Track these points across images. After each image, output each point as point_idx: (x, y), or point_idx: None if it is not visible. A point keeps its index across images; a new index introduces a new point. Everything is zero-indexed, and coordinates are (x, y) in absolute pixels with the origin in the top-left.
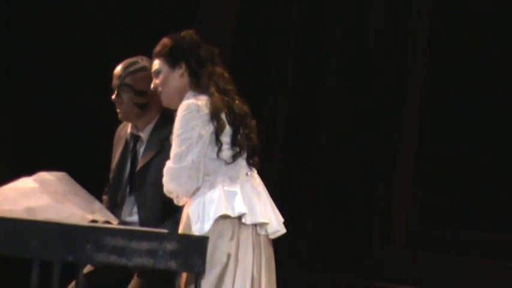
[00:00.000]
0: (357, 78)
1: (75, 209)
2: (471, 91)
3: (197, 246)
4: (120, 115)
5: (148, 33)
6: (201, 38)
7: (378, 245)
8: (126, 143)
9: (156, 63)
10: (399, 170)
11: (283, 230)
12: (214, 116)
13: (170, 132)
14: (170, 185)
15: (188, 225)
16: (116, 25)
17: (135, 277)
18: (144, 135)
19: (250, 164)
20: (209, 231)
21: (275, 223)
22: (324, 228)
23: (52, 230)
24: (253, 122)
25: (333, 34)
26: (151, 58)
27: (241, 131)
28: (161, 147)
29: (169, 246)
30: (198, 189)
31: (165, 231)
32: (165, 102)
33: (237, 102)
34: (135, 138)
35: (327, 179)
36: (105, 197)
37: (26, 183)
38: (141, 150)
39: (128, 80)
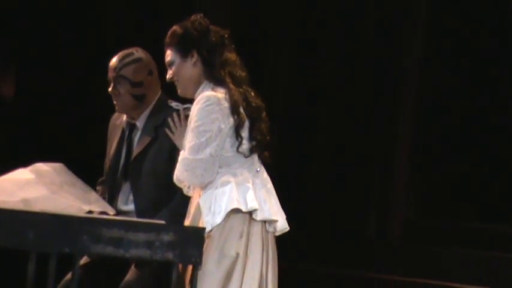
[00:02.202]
0: (354, 69)
1: (72, 200)
2: (467, 84)
3: (194, 237)
4: (116, 107)
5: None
6: (210, 21)
7: (374, 237)
8: (123, 132)
9: (168, 54)
10: (395, 161)
11: (287, 227)
12: (234, 110)
13: (164, 119)
14: (184, 175)
15: (197, 216)
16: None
17: (132, 268)
18: (139, 123)
19: (261, 158)
20: (220, 224)
21: (282, 221)
22: (319, 219)
23: (48, 222)
24: (266, 118)
25: (331, 33)
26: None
27: (256, 125)
28: (156, 135)
29: (166, 237)
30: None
31: (162, 222)
32: (181, 92)
33: (252, 93)
34: (131, 127)
35: (322, 171)
36: (99, 188)
37: (22, 174)
38: (136, 138)
39: (123, 72)
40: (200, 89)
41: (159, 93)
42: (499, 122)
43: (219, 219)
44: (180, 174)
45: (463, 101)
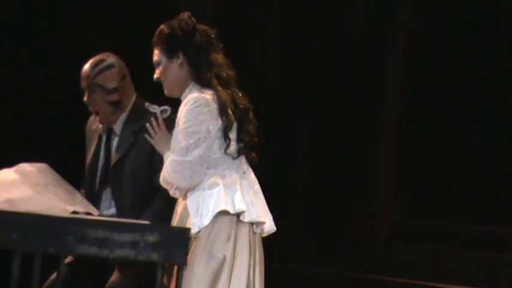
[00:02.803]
0: (340, 68)
1: (56, 201)
2: (452, 84)
3: (179, 238)
4: (99, 119)
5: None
6: (197, 19)
7: (360, 238)
8: (99, 137)
9: (155, 54)
10: (381, 162)
11: (275, 228)
12: (222, 111)
13: (142, 124)
14: (172, 177)
15: (184, 216)
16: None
17: (116, 271)
18: (116, 128)
19: (248, 159)
20: (208, 226)
21: (269, 222)
22: (306, 220)
23: (33, 222)
24: (254, 119)
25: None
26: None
27: (244, 126)
28: (135, 140)
29: (151, 238)
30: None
31: (146, 222)
32: (167, 92)
33: (240, 94)
34: (108, 132)
35: (308, 172)
36: (83, 190)
37: (6, 174)
38: (115, 143)
39: (97, 79)
40: (187, 90)
41: (134, 96)
42: (483, 123)
43: (206, 221)
44: (168, 176)
45: (449, 100)
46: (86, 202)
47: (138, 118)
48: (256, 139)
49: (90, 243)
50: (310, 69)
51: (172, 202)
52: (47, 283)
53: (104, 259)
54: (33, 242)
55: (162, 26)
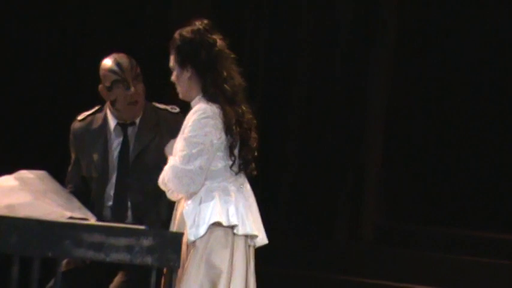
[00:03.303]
0: (325, 75)
1: (54, 207)
2: (437, 89)
3: (172, 242)
4: (135, 108)
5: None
6: (212, 26)
7: (346, 240)
8: (106, 135)
9: (170, 59)
10: (366, 166)
11: (266, 241)
12: (227, 128)
13: (158, 117)
14: (171, 182)
15: (181, 223)
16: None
17: (118, 275)
18: (136, 120)
19: (246, 173)
20: (205, 236)
21: (261, 235)
22: (290, 223)
23: (32, 227)
24: (255, 135)
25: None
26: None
27: (246, 145)
28: (155, 132)
29: (146, 242)
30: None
31: (141, 227)
32: (181, 96)
33: (245, 110)
34: (124, 127)
35: (294, 174)
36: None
37: (6, 181)
38: (132, 136)
39: (139, 70)
40: (197, 99)
41: None
42: (470, 128)
43: (201, 231)
44: (167, 180)
45: (434, 106)
46: (83, 208)
47: (151, 112)
48: (256, 154)
49: (87, 247)
50: (300, 73)
51: None
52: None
53: (99, 262)
54: (31, 246)
55: (176, 33)
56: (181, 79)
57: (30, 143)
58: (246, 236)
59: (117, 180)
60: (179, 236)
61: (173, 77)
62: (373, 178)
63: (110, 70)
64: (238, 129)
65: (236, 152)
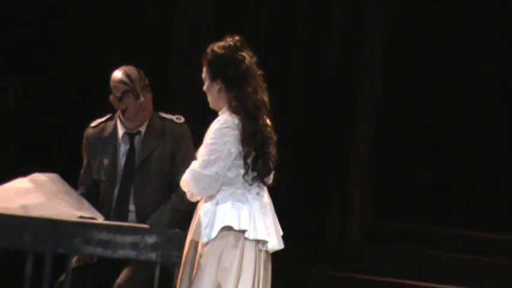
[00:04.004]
0: (316, 78)
1: (65, 207)
2: (420, 92)
3: (175, 240)
4: (143, 114)
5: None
6: (242, 42)
7: (335, 238)
8: (116, 143)
9: (203, 71)
10: (353, 165)
11: (281, 246)
12: (245, 140)
13: (163, 127)
14: (190, 184)
15: (199, 225)
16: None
17: (123, 271)
18: (142, 129)
19: (263, 183)
20: (217, 238)
21: (275, 241)
22: (283, 222)
23: (44, 225)
24: (275, 149)
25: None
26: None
27: (262, 157)
28: (159, 141)
29: (150, 239)
30: (213, 195)
31: (146, 226)
32: (211, 106)
33: (264, 124)
34: (131, 136)
35: (282, 174)
36: (82, 190)
37: (21, 183)
38: (138, 144)
39: (147, 81)
40: (224, 109)
41: None
42: (460, 127)
43: (214, 234)
44: (186, 182)
45: (420, 107)
46: (92, 208)
47: (157, 121)
48: (272, 166)
49: (96, 245)
50: (294, 75)
51: (186, 199)
52: (57, 284)
53: (107, 259)
54: (44, 244)
55: (209, 48)
56: (211, 90)
57: (44, 148)
58: (258, 241)
59: (121, 185)
60: (181, 234)
61: (204, 88)
62: (360, 178)
63: (120, 81)
64: (254, 142)
65: (249, 162)
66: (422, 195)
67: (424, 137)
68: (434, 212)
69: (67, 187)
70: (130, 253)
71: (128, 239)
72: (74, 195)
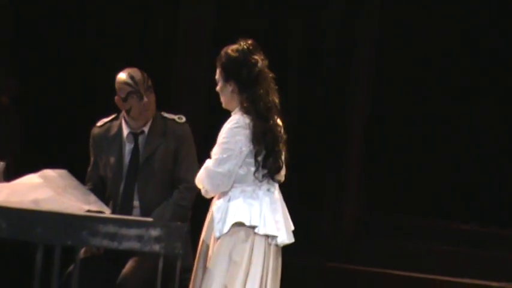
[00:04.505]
0: (312, 78)
1: (74, 201)
2: (415, 85)
3: (177, 232)
4: (146, 114)
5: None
6: (255, 46)
7: (329, 231)
8: (121, 142)
9: (216, 73)
10: (348, 161)
11: (291, 240)
12: (255, 139)
13: (165, 126)
14: (204, 181)
15: (212, 220)
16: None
17: (128, 262)
18: (145, 129)
19: (274, 180)
20: (228, 233)
21: (284, 235)
22: None
23: (54, 219)
24: (285, 148)
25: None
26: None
27: (272, 155)
28: (162, 139)
29: (154, 232)
30: (226, 192)
31: (150, 219)
32: (224, 105)
33: (275, 125)
34: (135, 136)
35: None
36: (90, 186)
37: (32, 179)
38: (142, 143)
39: (150, 83)
40: (236, 109)
41: None
42: (451, 122)
43: (226, 229)
44: (201, 179)
45: (409, 104)
46: (99, 202)
47: (160, 121)
48: (282, 164)
49: (102, 237)
50: (291, 75)
51: (188, 195)
52: (66, 274)
53: (113, 250)
54: (54, 236)
55: (223, 50)
56: (224, 91)
57: (52, 146)
58: (267, 236)
59: (126, 181)
60: (183, 227)
61: (218, 88)
62: (354, 175)
63: (125, 83)
64: (265, 140)
65: (260, 160)
66: (414, 189)
67: (416, 132)
68: (426, 205)
69: (75, 182)
70: (135, 245)
71: (133, 231)
72: (82, 190)
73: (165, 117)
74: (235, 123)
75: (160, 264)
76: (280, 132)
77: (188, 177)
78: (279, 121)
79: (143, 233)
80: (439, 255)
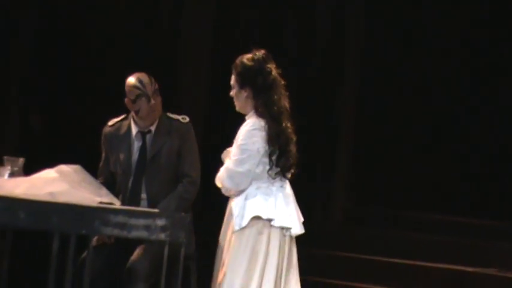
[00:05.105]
0: (303, 76)
1: (87, 194)
2: (404, 83)
3: (181, 222)
4: (153, 115)
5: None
6: (268, 56)
7: (318, 221)
8: (131, 139)
9: (232, 79)
10: (338, 152)
11: (302, 231)
12: (270, 140)
13: (170, 126)
14: (226, 181)
15: (231, 215)
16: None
17: (137, 250)
18: (152, 128)
19: (285, 177)
20: (247, 226)
21: (297, 227)
22: None
23: (69, 210)
24: (295, 148)
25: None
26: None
27: (284, 155)
28: (167, 138)
29: (160, 222)
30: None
31: (156, 210)
32: (237, 109)
33: (286, 127)
34: (143, 134)
35: None
36: (101, 180)
37: (49, 173)
38: (149, 141)
39: (157, 86)
40: (251, 113)
41: None
42: (439, 115)
43: (244, 222)
44: (222, 179)
45: (399, 98)
46: (110, 195)
47: (165, 121)
48: (293, 162)
49: (113, 227)
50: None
51: (191, 188)
52: (80, 260)
53: (122, 239)
54: (69, 225)
55: (238, 60)
56: (239, 97)
57: (68, 144)
58: (282, 228)
59: (135, 176)
60: (186, 217)
61: (232, 93)
62: (343, 164)
63: (134, 86)
64: (278, 142)
65: (274, 159)
66: (403, 181)
67: (404, 125)
68: (414, 197)
69: (88, 177)
70: (143, 234)
71: (141, 221)
72: (95, 183)
73: (170, 118)
74: (252, 125)
75: (166, 251)
76: (291, 134)
77: (191, 172)
78: (289, 124)
79: (150, 223)
80: (421, 243)
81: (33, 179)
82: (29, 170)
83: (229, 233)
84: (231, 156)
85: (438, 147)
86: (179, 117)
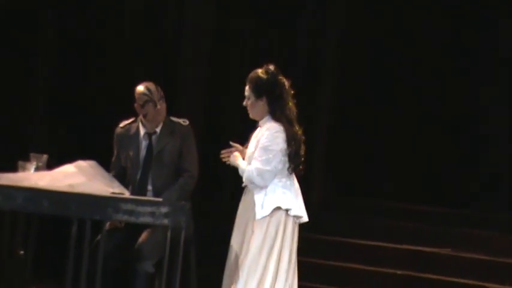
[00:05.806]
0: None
1: (101, 185)
2: (386, 78)
3: (181, 210)
4: (158, 119)
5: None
6: (278, 69)
7: None
8: (139, 139)
9: (247, 89)
10: (315, 146)
11: (307, 219)
12: (289, 142)
13: (173, 127)
14: (256, 179)
15: (251, 205)
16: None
17: (143, 233)
18: (157, 129)
19: (296, 172)
20: (267, 215)
21: (306, 216)
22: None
23: (86, 199)
24: (304, 147)
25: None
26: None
27: (297, 153)
28: (170, 138)
29: (163, 209)
30: None
31: (160, 200)
32: (251, 116)
33: (298, 129)
34: (149, 135)
35: None
36: (113, 173)
37: (68, 168)
38: (154, 141)
39: (163, 93)
40: (265, 118)
41: None
42: (408, 108)
43: (266, 212)
44: (252, 177)
45: (375, 92)
46: (121, 187)
47: (169, 124)
48: (303, 160)
49: (123, 213)
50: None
51: (190, 181)
52: (94, 243)
53: (131, 224)
54: (85, 212)
55: (253, 73)
56: (256, 106)
57: (85, 142)
58: (295, 216)
59: (142, 171)
60: (186, 205)
61: (246, 102)
62: (320, 158)
63: (143, 93)
64: (294, 142)
65: (291, 157)
66: (375, 171)
67: (379, 118)
68: (386, 187)
69: (102, 170)
70: (148, 219)
71: (147, 209)
72: (108, 176)
73: (173, 121)
74: (276, 130)
75: (169, 235)
76: (301, 135)
77: (191, 168)
78: (298, 127)
79: (155, 210)
80: (388, 228)
81: (54, 172)
82: (51, 165)
83: (246, 222)
84: (256, 157)
85: (420, 137)
86: (180, 120)
